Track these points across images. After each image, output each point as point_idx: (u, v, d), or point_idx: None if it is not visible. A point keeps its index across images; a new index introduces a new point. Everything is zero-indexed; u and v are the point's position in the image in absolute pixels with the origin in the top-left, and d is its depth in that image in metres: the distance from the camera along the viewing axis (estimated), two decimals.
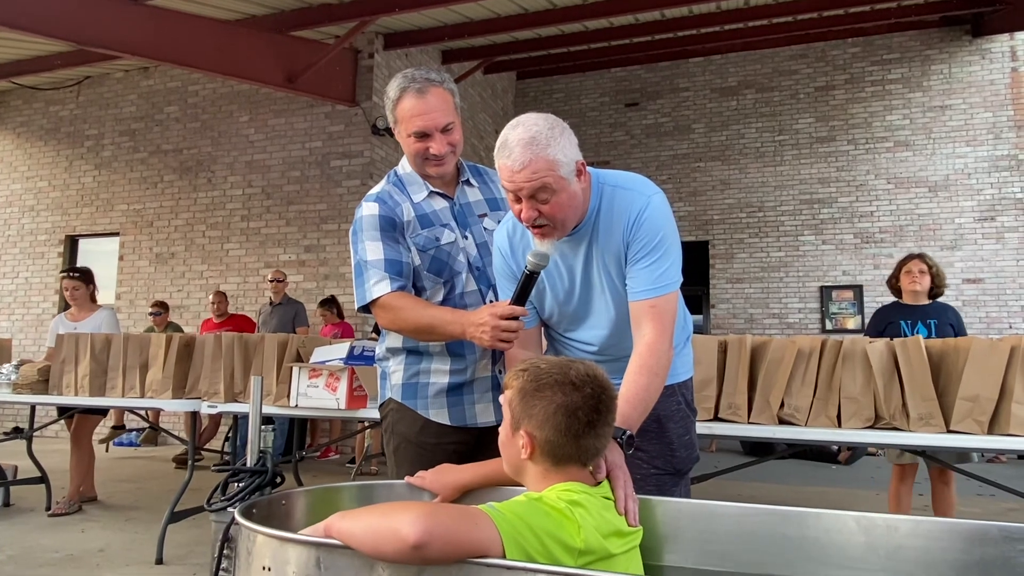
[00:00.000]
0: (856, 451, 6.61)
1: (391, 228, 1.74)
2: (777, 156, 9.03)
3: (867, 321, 8.54)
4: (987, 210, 8.20)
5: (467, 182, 1.87)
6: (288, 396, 2.99)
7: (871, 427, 2.37)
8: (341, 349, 2.94)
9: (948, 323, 3.59)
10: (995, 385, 2.22)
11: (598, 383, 1.20)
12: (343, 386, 2.82)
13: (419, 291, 1.78)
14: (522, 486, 1.33)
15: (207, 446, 6.09)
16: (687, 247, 10.19)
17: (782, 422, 2.45)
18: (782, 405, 2.45)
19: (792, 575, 1.37)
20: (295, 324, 6.12)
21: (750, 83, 9.23)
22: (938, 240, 8.25)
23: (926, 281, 3.65)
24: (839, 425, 2.38)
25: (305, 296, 6.92)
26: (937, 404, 2.27)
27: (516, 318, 1.51)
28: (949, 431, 2.27)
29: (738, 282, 9.06)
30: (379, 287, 1.71)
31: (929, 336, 3.42)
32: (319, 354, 2.97)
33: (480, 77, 9.16)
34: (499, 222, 1.79)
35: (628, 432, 1.35)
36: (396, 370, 1.83)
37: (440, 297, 1.78)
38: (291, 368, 2.98)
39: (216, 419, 6.18)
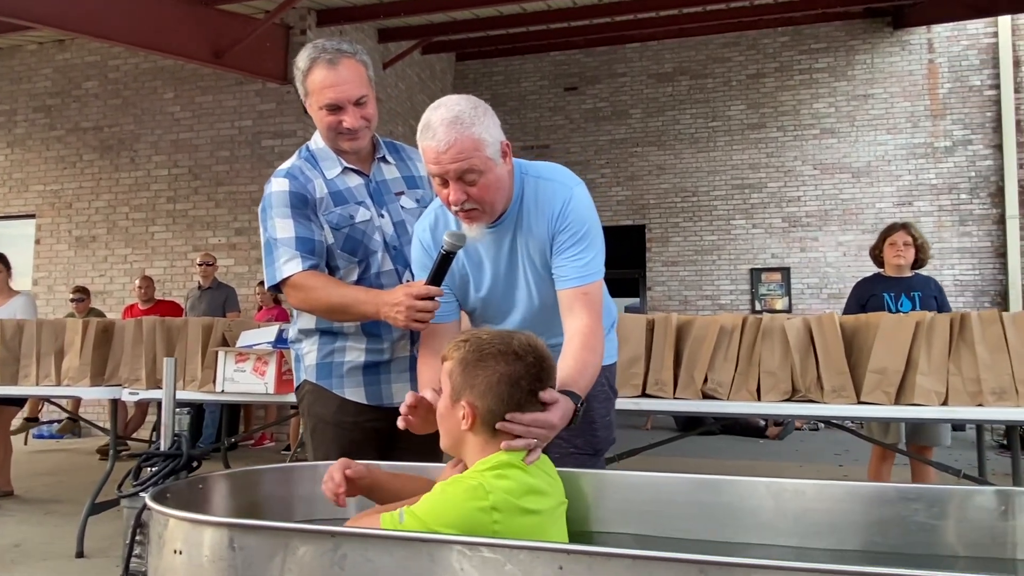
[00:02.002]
0: (786, 427, 6.90)
1: (302, 205, 1.69)
2: (710, 142, 9.25)
3: (793, 302, 8.91)
4: (905, 195, 8.62)
5: (383, 159, 1.83)
6: (214, 381, 2.91)
7: (788, 400, 2.48)
8: (269, 333, 2.87)
9: (932, 295, 3.48)
10: (901, 358, 2.35)
11: (539, 352, 1.22)
12: (271, 370, 2.77)
13: (333, 270, 1.73)
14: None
15: (135, 436, 5.86)
16: (625, 231, 10.32)
17: (706, 397, 2.54)
18: (706, 380, 2.53)
19: (708, 538, 1.44)
20: (225, 309, 5.94)
21: (685, 70, 9.40)
22: (860, 224, 8.62)
23: (911, 254, 3.51)
24: (759, 398, 2.48)
25: (236, 280, 6.72)
26: (849, 377, 2.39)
27: (432, 298, 1.50)
28: (860, 402, 2.39)
29: (673, 265, 9.27)
30: (289, 266, 1.66)
31: (913, 308, 3.33)
32: (246, 338, 2.90)
33: (418, 57, 9.03)
34: (417, 201, 1.80)
35: (583, 400, 1.37)
36: (310, 351, 1.80)
37: (355, 277, 1.74)
38: (216, 352, 2.90)
39: (143, 407, 5.95)
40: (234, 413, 6.06)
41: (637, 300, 9.88)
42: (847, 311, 3.59)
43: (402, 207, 1.79)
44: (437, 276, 1.50)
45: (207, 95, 7.16)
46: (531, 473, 1.20)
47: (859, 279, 3.82)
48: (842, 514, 1.45)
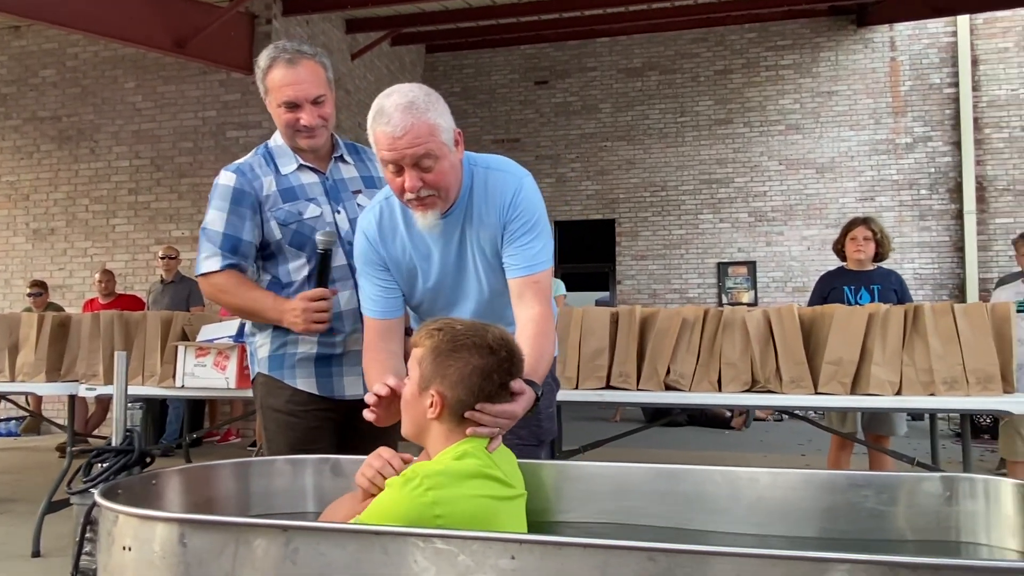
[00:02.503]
0: (747, 416, 7.01)
1: (241, 202, 1.73)
2: (679, 137, 9.33)
3: (759, 295, 9.05)
4: (867, 191, 8.80)
5: (341, 158, 1.87)
6: (174, 376, 2.86)
7: (748, 390, 2.52)
8: (231, 327, 2.83)
9: (892, 288, 3.57)
10: (856, 349, 2.41)
11: (511, 347, 1.24)
12: (232, 365, 2.73)
13: (282, 263, 1.79)
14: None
15: (96, 432, 5.74)
16: (595, 225, 10.36)
17: (668, 388, 2.57)
18: (668, 372, 2.56)
19: (667, 526, 1.46)
20: (189, 303, 5.83)
21: (654, 65, 9.46)
22: (824, 219, 8.78)
23: (871, 248, 3.60)
24: (720, 389, 2.51)
25: None
26: (807, 368, 2.44)
27: (326, 299, 1.66)
28: (817, 392, 2.45)
29: (642, 259, 9.35)
30: (208, 263, 1.75)
31: (872, 301, 3.39)
32: (207, 332, 2.85)
33: (387, 49, 8.94)
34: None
35: (541, 389, 1.38)
36: (263, 344, 1.82)
37: (306, 272, 1.77)
38: (176, 347, 2.85)
39: (105, 404, 5.83)
40: (198, 409, 5.96)
41: (607, 294, 9.95)
42: (811, 304, 3.65)
43: (359, 205, 1.81)
44: (322, 277, 1.65)
45: (169, 85, 7.00)
46: (493, 461, 1.21)
47: (823, 273, 3.90)
48: (796, 501, 1.48)
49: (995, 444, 4.40)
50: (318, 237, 1.67)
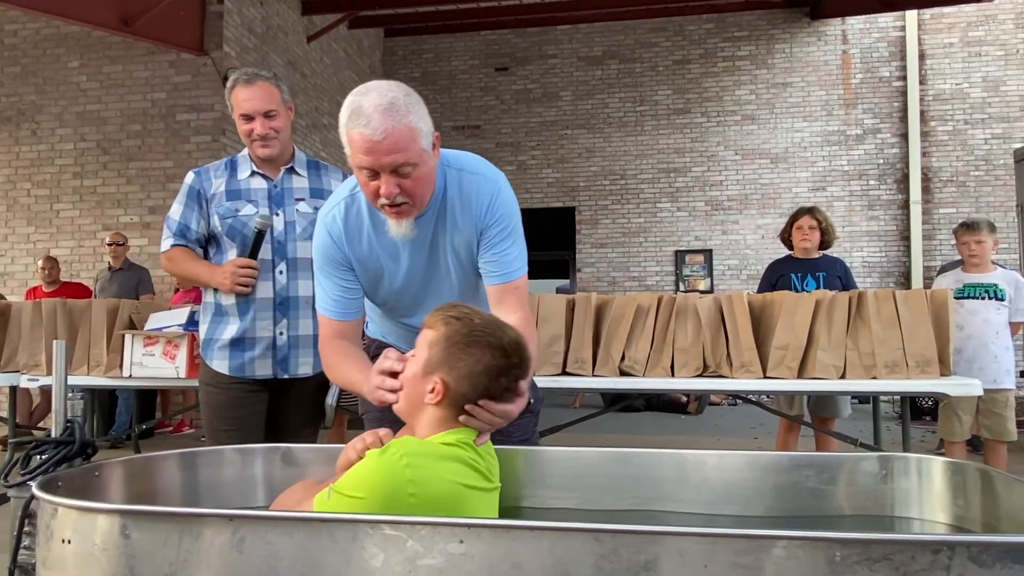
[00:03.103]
0: (701, 401, 7.16)
1: (194, 197, 2.15)
2: (638, 126, 9.41)
3: (715, 282, 9.22)
4: (819, 181, 9.02)
5: (292, 170, 2.18)
6: (121, 366, 2.78)
7: (700, 375, 2.58)
8: (180, 315, 2.76)
9: (836, 275, 3.67)
10: (803, 335, 2.48)
11: (524, 353, 1.24)
12: (182, 354, 2.66)
13: (223, 252, 2.16)
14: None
15: (41, 425, 5.55)
16: (555, 213, 10.38)
17: (623, 374, 2.60)
18: (623, 358, 2.60)
19: (619, 508, 1.49)
20: (139, 291, 5.67)
21: (614, 53, 9.49)
22: (778, 208, 8.97)
23: (816, 237, 3.72)
24: (673, 375, 2.56)
25: (151, 261, 6.41)
26: (756, 353, 2.50)
27: (251, 268, 2.03)
28: (766, 377, 2.51)
29: (602, 247, 9.42)
30: (165, 243, 2.17)
31: (818, 288, 3.50)
32: (155, 320, 2.78)
33: (345, 32, 8.78)
34: (315, 208, 2.09)
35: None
36: (204, 328, 2.17)
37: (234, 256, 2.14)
38: (123, 336, 2.77)
39: (50, 395, 5.64)
40: (148, 399, 5.82)
41: (567, 281, 10.01)
42: (760, 291, 3.75)
43: (297, 211, 2.14)
44: (253, 250, 2.03)
45: (116, 65, 6.75)
46: (478, 454, 1.22)
47: (772, 260, 4.01)
48: (740, 481, 1.53)
49: (936, 426, 4.59)
50: (256, 218, 2.04)
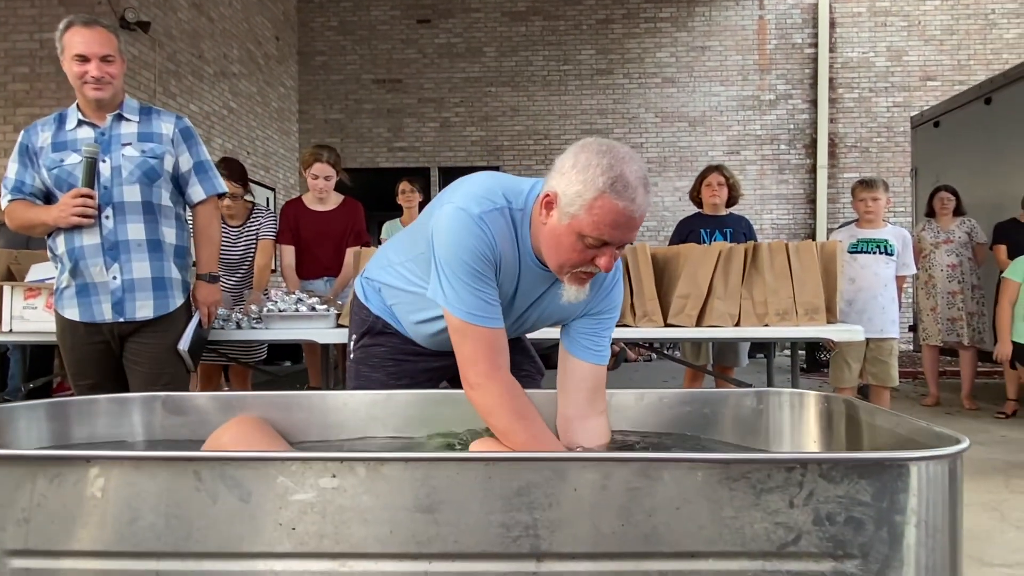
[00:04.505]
0: (617, 357, 7.36)
1: (24, 153, 2.22)
2: (562, 86, 9.38)
3: (634, 243, 9.44)
4: (734, 145, 9.28)
5: (122, 116, 2.22)
6: (0, 320, 2.59)
7: None
8: None
9: (742, 232, 3.83)
10: (704, 285, 2.56)
11: None
12: None
13: (52, 197, 2.22)
14: None
15: None
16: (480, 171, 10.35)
17: None
18: None
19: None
20: (29, 245, 5.28)
21: (538, 10, 9.38)
22: (694, 171, 9.11)
23: (724, 193, 3.86)
24: None
25: None
26: (657, 303, 2.57)
27: (88, 196, 2.09)
28: (667, 325, 2.59)
29: None
30: (3, 201, 2.25)
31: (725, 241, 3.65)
32: (37, 271, 2.60)
33: None
34: (143, 152, 2.19)
35: None
36: (58, 280, 2.24)
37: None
38: (1, 287, 2.57)
39: None
40: (43, 356, 5.47)
41: None
42: (671, 245, 3.86)
43: (123, 155, 2.18)
44: (87, 180, 2.10)
45: None
46: None
47: (683, 217, 4.12)
48: (632, 417, 1.59)
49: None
50: (83, 148, 2.10)
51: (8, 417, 1.38)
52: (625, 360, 7.62)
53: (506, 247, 1.34)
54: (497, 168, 9.40)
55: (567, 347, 1.49)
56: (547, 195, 1.28)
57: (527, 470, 0.96)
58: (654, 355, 7.23)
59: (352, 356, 1.66)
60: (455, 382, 1.55)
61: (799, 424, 1.49)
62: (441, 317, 1.39)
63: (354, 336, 1.66)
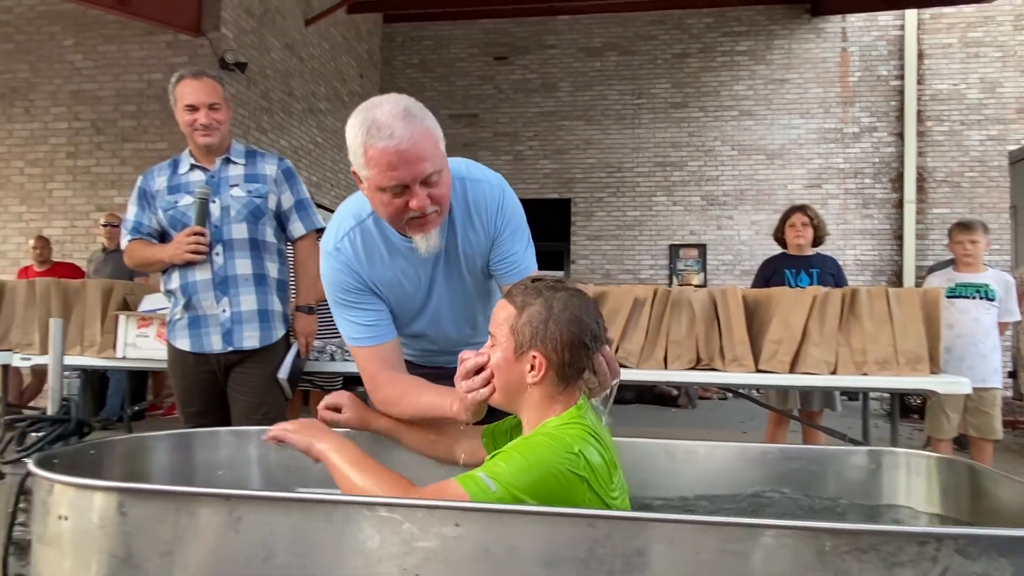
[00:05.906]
0: (691, 395, 7.20)
1: (143, 197, 2.39)
2: (635, 119, 9.39)
3: (708, 277, 9.24)
4: (815, 178, 9.04)
5: (228, 159, 2.37)
6: (114, 347, 2.77)
7: (693, 368, 2.59)
8: None
9: (829, 272, 3.75)
10: (798, 330, 2.50)
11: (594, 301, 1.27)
12: None
13: (167, 237, 2.38)
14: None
15: (32, 404, 5.53)
16: (551, 204, 10.37)
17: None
18: (617, 350, 2.61)
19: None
20: (133, 274, 5.63)
21: (613, 45, 9.47)
22: (772, 204, 8.99)
23: (809, 233, 3.79)
24: (666, 367, 2.58)
25: None
26: (748, 347, 2.52)
27: (200, 234, 2.23)
28: (758, 370, 2.53)
29: (597, 239, 9.43)
30: (124, 240, 2.42)
31: (811, 284, 3.57)
32: (149, 302, 2.77)
33: (343, 16, 8.71)
34: (249, 192, 2.33)
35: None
36: (170, 312, 2.39)
37: None
38: (116, 316, 2.76)
39: (41, 376, 5.62)
40: (140, 381, 5.80)
41: (562, 273, 10.01)
42: (754, 287, 3.78)
43: (231, 196, 2.34)
44: (199, 219, 2.23)
45: (112, 44, 6.68)
46: (597, 422, 1.22)
47: (767, 257, 4.04)
48: (731, 471, 1.55)
49: (923, 424, 4.63)
50: (196, 190, 2.27)
51: (142, 447, 1.48)
52: (699, 397, 7.44)
53: (374, 255, 1.44)
54: (568, 201, 9.45)
55: (500, 290, 1.50)
56: (352, 173, 1.36)
57: (648, 530, 0.96)
58: (730, 393, 7.03)
59: None
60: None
61: (915, 489, 1.42)
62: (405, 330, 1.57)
63: None
